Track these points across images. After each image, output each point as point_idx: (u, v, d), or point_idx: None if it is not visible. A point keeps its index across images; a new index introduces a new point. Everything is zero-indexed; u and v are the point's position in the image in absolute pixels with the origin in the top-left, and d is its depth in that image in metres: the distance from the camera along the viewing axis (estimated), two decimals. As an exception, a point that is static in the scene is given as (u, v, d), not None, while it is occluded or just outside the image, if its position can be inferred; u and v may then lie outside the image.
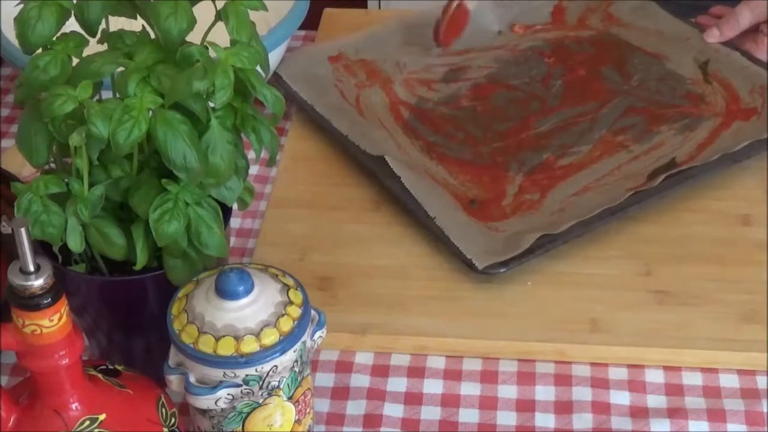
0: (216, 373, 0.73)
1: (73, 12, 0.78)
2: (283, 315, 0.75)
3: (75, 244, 0.77)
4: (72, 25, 0.78)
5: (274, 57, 1.13)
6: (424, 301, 0.95)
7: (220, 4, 0.78)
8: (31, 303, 0.67)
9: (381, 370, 0.91)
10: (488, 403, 0.88)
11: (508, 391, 0.89)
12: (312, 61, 1.19)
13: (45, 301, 0.67)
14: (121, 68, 0.77)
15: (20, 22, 0.76)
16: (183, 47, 0.76)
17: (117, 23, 0.81)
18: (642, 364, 0.90)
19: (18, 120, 0.79)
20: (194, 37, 0.78)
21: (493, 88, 1.19)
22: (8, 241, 0.68)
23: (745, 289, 0.95)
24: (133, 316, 0.84)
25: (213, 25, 0.79)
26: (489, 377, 0.90)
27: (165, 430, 0.75)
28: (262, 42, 0.80)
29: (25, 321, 0.68)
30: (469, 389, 0.89)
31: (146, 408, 0.76)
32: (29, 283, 0.66)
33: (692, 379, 0.89)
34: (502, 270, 0.94)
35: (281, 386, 0.76)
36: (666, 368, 0.90)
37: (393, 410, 0.87)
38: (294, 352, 0.75)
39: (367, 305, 0.94)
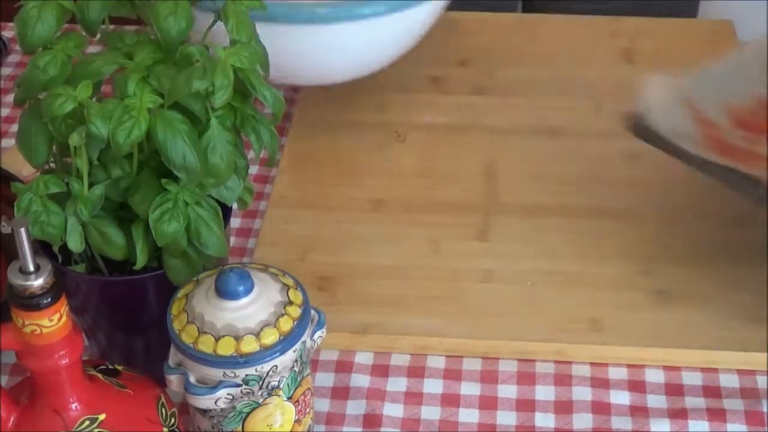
0: (216, 373, 0.73)
1: (73, 12, 0.78)
2: (283, 315, 0.74)
3: (75, 244, 0.77)
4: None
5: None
6: (424, 301, 0.95)
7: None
8: (31, 303, 0.67)
9: (381, 370, 0.91)
10: (488, 403, 0.88)
11: (508, 391, 0.89)
12: None
13: (45, 301, 0.67)
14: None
15: (20, 21, 0.76)
16: (183, 47, 0.76)
17: (117, 23, 0.81)
18: (642, 364, 0.90)
19: (18, 120, 0.79)
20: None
21: None
22: (8, 241, 0.68)
23: (745, 289, 0.95)
24: (133, 316, 0.84)
25: (213, 24, 0.79)
26: (489, 377, 0.90)
27: (165, 430, 0.75)
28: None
29: (25, 321, 0.68)
30: (469, 389, 0.89)
31: (146, 408, 0.76)
32: (29, 283, 0.66)
33: (692, 379, 0.89)
34: None
35: (281, 386, 0.76)
36: (666, 368, 0.90)
37: (393, 410, 0.87)
38: (294, 352, 0.75)
39: (367, 305, 0.94)
